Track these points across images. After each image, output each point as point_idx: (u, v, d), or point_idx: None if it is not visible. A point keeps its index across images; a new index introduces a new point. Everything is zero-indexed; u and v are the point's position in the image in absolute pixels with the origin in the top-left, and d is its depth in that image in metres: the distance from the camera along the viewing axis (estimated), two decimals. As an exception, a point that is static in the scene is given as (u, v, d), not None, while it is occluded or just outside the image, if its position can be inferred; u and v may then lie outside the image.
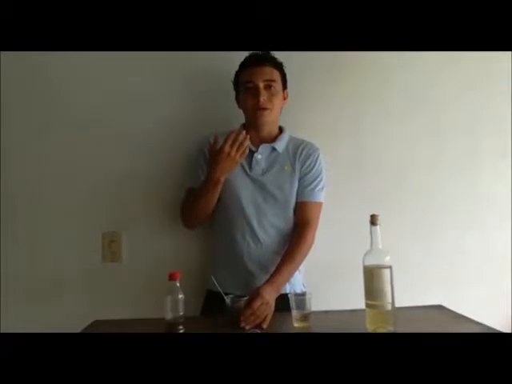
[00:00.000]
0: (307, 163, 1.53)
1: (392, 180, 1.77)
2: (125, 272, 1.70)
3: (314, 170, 1.53)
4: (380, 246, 1.15)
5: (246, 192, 1.50)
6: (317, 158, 1.54)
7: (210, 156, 1.41)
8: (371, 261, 1.15)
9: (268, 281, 1.35)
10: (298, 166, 1.53)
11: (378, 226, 1.16)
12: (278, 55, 1.55)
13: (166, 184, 1.72)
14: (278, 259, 1.45)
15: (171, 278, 1.19)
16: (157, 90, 1.74)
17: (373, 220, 1.16)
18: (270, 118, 1.52)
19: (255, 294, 1.27)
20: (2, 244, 1.69)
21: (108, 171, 1.72)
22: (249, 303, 1.25)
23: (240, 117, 1.60)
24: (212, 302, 1.49)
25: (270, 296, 1.29)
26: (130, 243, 1.71)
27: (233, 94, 1.60)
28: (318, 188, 1.53)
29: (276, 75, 1.52)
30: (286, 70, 1.57)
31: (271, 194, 1.50)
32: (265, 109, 1.49)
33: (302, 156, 1.54)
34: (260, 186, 1.51)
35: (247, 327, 1.22)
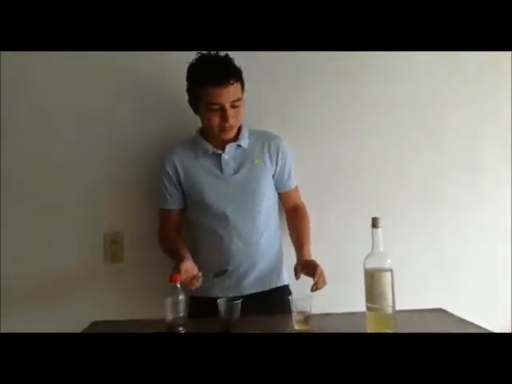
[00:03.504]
0: (279, 156, 1.55)
1: (392, 182, 1.77)
2: (125, 273, 1.70)
3: (285, 159, 1.56)
4: (381, 249, 1.15)
5: (222, 195, 1.49)
6: (284, 148, 1.56)
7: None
8: (372, 264, 1.15)
9: (301, 252, 1.46)
10: (268, 159, 1.53)
11: (379, 229, 1.15)
12: (274, 55, 1.51)
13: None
14: (268, 253, 1.51)
15: (172, 279, 1.19)
16: (158, 90, 1.74)
17: (374, 223, 1.15)
18: (234, 132, 1.50)
19: (311, 262, 1.37)
20: (3, 244, 1.68)
21: (109, 172, 1.72)
22: (313, 270, 1.32)
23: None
24: (197, 307, 1.48)
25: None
26: (131, 244, 1.71)
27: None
28: (292, 174, 1.59)
29: (240, 89, 1.44)
30: (285, 70, 1.56)
31: (249, 189, 1.50)
32: (231, 128, 1.45)
33: (271, 150, 1.54)
34: (235, 185, 1.49)
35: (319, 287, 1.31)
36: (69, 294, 1.68)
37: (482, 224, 1.79)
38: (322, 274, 1.32)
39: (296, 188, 1.63)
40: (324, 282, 1.33)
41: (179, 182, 1.52)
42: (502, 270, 1.76)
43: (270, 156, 1.54)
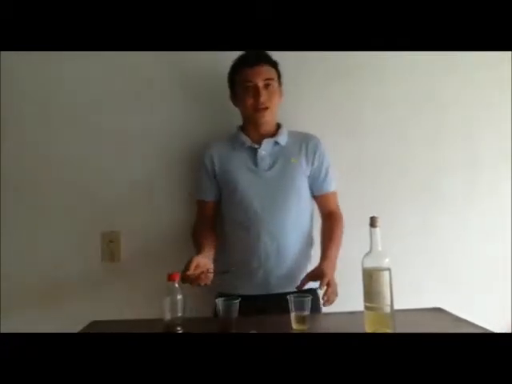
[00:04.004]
0: (316, 156, 1.55)
1: (392, 182, 1.77)
2: (123, 272, 1.70)
3: (322, 159, 1.56)
4: (379, 248, 1.15)
5: (255, 190, 1.49)
6: (322, 149, 1.57)
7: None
8: (370, 263, 1.15)
9: (324, 258, 1.42)
10: (304, 160, 1.54)
11: (377, 228, 1.15)
12: (276, 54, 1.54)
13: (165, 184, 1.72)
14: (297, 254, 1.49)
15: (170, 278, 1.19)
16: (156, 91, 1.75)
17: (372, 222, 1.15)
18: (270, 117, 1.53)
19: (322, 274, 1.32)
20: (3, 244, 1.69)
21: (107, 171, 1.73)
22: (323, 283, 1.30)
23: (237, 117, 1.59)
24: None
25: (331, 272, 1.37)
26: (129, 243, 1.71)
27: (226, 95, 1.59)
28: (329, 176, 1.57)
29: (273, 73, 1.53)
30: (285, 70, 1.57)
31: (281, 186, 1.50)
32: (265, 108, 1.50)
33: (308, 150, 1.55)
34: (269, 181, 1.50)
35: (328, 304, 1.31)
36: (68, 293, 1.69)
37: (481, 223, 1.79)
38: (329, 285, 1.31)
39: (333, 193, 1.59)
40: (334, 294, 1.32)
41: (215, 175, 1.56)
42: (502, 269, 1.75)
43: (307, 157, 1.54)
